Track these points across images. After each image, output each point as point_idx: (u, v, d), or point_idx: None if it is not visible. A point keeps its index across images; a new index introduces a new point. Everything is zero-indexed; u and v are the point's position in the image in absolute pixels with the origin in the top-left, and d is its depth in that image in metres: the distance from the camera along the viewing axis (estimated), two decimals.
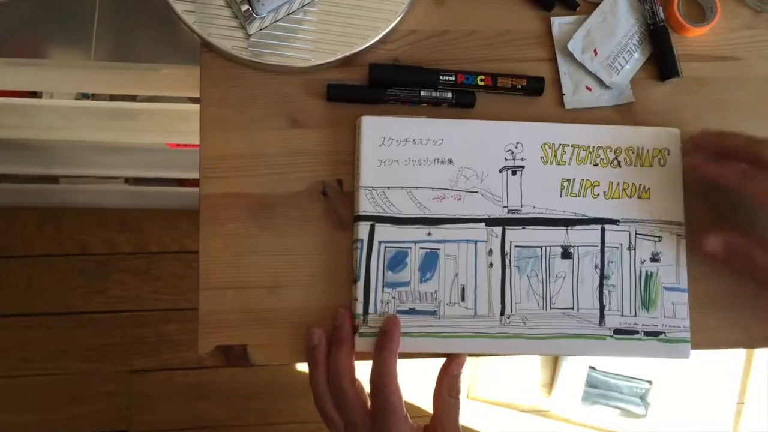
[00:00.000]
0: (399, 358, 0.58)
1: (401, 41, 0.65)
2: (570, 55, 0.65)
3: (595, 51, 0.65)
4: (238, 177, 0.61)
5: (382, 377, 0.56)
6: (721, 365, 1.52)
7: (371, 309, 0.59)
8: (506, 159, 0.62)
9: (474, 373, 1.45)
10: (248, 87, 0.63)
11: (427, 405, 1.43)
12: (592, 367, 1.45)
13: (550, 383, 1.48)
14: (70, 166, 1.19)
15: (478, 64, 0.65)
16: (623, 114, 0.65)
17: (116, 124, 0.96)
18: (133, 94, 0.95)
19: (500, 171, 0.62)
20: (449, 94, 0.63)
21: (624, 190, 0.62)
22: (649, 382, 1.46)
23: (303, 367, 1.37)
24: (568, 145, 0.62)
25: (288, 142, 0.62)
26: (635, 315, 0.61)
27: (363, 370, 0.59)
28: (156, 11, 0.64)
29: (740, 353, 1.53)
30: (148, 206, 1.37)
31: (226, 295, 0.60)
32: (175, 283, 1.41)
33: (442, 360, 0.60)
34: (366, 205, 0.60)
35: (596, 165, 0.62)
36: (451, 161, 0.61)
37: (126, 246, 1.42)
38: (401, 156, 0.61)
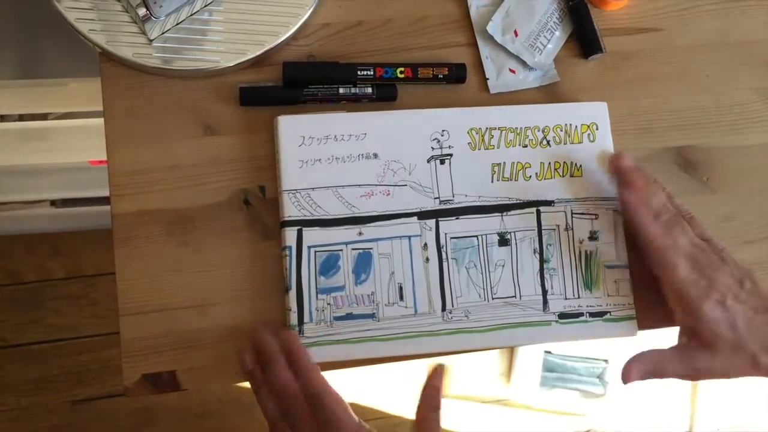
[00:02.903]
0: (343, 367, 0.56)
1: (314, 36, 0.62)
2: (490, 38, 0.63)
3: (515, 32, 0.63)
4: (152, 192, 0.58)
5: (314, 390, 0.53)
6: (675, 338, 1.53)
7: (306, 318, 0.56)
8: (433, 148, 0.59)
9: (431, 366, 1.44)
10: (156, 96, 0.59)
11: (397, 408, 1.41)
12: (548, 352, 1.44)
13: (509, 372, 1.47)
14: None
15: (397, 54, 0.62)
16: (550, 94, 0.63)
17: (29, 146, 0.91)
18: (44, 113, 0.90)
19: (428, 161, 0.59)
20: (369, 89, 0.60)
21: (556, 169, 0.60)
22: (606, 361, 1.47)
23: None
24: (495, 129, 0.60)
25: (203, 151, 0.59)
26: (578, 297, 0.59)
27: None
28: (59, 23, 0.60)
29: None
30: (79, 228, 1.32)
31: (149, 319, 0.56)
32: (115, 305, 1.34)
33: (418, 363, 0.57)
34: (291, 209, 0.57)
35: (526, 146, 0.60)
36: (376, 155, 0.58)
37: (59, 271, 1.36)
38: (323, 154, 0.58)
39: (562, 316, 0.59)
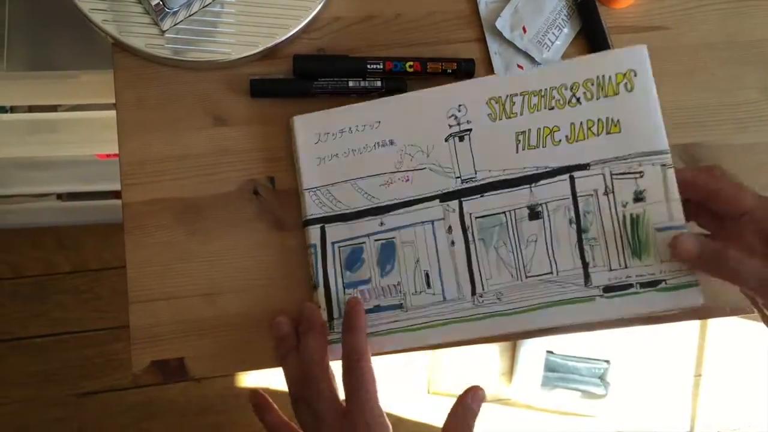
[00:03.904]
0: (373, 355, 0.54)
1: (325, 29, 0.62)
2: (499, 34, 0.63)
3: (524, 28, 0.63)
4: (163, 182, 0.58)
5: (354, 355, 0.52)
6: (676, 339, 1.54)
7: (335, 314, 0.56)
8: (450, 126, 0.56)
9: (432, 366, 1.44)
10: (167, 86, 0.60)
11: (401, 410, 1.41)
12: (549, 351, 1.45)
13: (510, 371, 1.47)
14: None
15: (406, 49, 0.63)
16: None
17: (38, 138, 0.92)
18: (54, 105, 0.91)
19: (446, 140, 0.56)
20: (378, 83, 0.61)
21: (589, 128, 0.55)
22: (607, 361, 1.46)
23: (256, 375, 1.34)
24: (517, 94, 0.56)
25: (213, 141, 0.59)
26: (626, 267, 0.54)
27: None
28: (70, 15, 0.61)
29: (694, 327, 1.55)
30: (85, 222, 1.32)
31: (158, 307, 0.57)
32: (119, 299, 1.36)
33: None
34: (313, 207, 0.57)
35: (552, 109, 0.55)
36: (392, 142, 0.57)
37: (64, 265, 1.36)
38: (340, 149, 0.57)
39: (608, 289, 0.54)
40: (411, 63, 0.61)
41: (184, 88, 0.60)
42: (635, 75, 0.55)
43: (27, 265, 1.35)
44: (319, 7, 0.61)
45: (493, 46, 0.63)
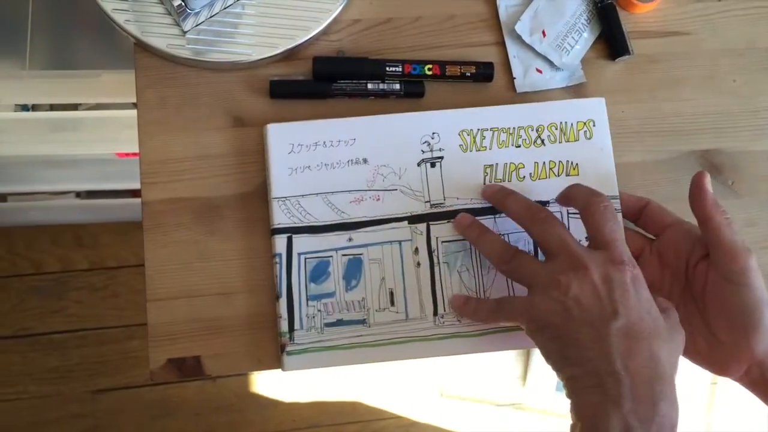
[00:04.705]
0: (326, 366, 0.56)
1: (345, 31, 0.63)
2: (518, 38, 0.63)
3: (543, 32, 0.63)
4: (182, 181, 0.59)
5: (536, 210, 0.53)
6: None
7: (297, 325, 0.56)
8: (423, 151, 0.58)
9: (445, 369, 1.44)
10: (187, 86, 0.60)
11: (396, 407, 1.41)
12: None
13: (524, 375, 1.47)
14: (17, 182, 1.14)
15: (425, 52, 0.63)
16: (576, 95, 0.63)
17: (59, 136, 0.93)
18: (75, 103, 0.92)
19: (418, 165, 0.58)
20: (397, 86, 0.61)
21: (551, 169, 0.59)
22: None
23: (272, 374, 1.34)
24: (487, 129, 0.59)
25: (232, 142, 0.60)
26: None
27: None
28: (92, 15, 0.62)
29: None
30: (103, 220, 1.34)
31: (176, 305, 0.57)
32: (135, 297, 1.37)
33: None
34: (280, 217, 0.57)
35: (519, 146, 0.59)
36: (365, 161, 0.58)
37: (82, 262, 1.37)
38: (313, 161, 0.58)
39: None
40: (430, 66, 0.61)
41: (204, 88, 0.60)
42: (594, 125, 0.60)
43: (47, 261, 1.36)
44: (340, 9, 0.61)
45: (512, 49, 0.63)
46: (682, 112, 0.65)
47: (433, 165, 0.58)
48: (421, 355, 0.57)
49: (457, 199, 0.58)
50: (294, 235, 0.57)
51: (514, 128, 0.59)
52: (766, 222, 0.64)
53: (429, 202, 0.58)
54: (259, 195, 0.59)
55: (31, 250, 1.36)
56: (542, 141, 0.59)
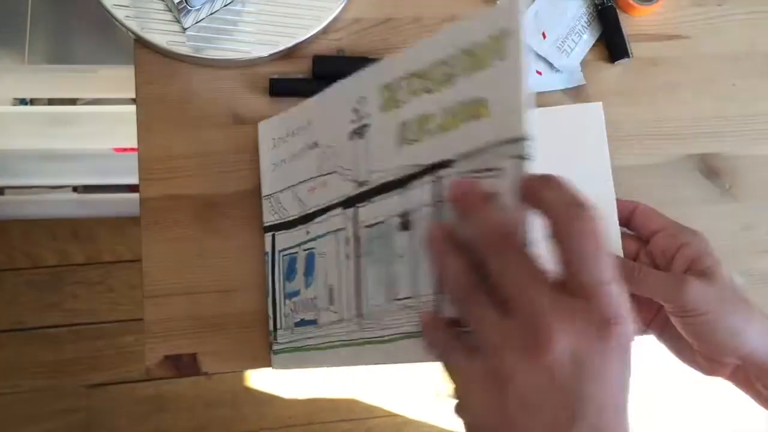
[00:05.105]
0: (299, 368, 0.54)
1: (345, 30, 0.63)
2: None
3: (543, 34, 0.63)
4: (181, 178, 0.59)
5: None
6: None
7: (279, 324, 0.55)
8: (352, 121, 0.47)
9: (441, 369, 1.44)
10: (187, 83, 0.60)
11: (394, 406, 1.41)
12: None
13: None
14: (14, 176, 1.14)
15: None
16: (575, 97, 0.63)
17: (57, 130, 0.92)
18: (73, 98, 0.92)
19: (350, 138, 0.47)
20: None
21: (458, 114, 0.40)
22: None
23: (267, 370, 1.34)
24: (405, 78, 0.43)
25: (232, 139, 0.60)
26: None
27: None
28: (91, 10, 0.62)
29: None
30: (100, 214, 1.33)
31: (173, 302, 0.57)
32: (131, 293, 1.37)
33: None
34: (267, 215, 0.56)
35: (430, 92, 0.42)
36: (316, 144, 0.50)
37: (78, 257, 1.37)
38: (287, 153, 0.54)
39: None
40: None
41: (203, 85, 0.60)
42: (507, 35, 0.37)
43: (44, 255, 1.36)
44: (340, 8, 0.61)
45: None
46: (681, 116, 0.65)
47: (360, 136, 0.47)
48: (346, 363, 0.48)
49: (379, 172, 0.45)
50: (276, 233, 0.55)
51: (426, 69, 0.42)
52: (763, 226, 0.64)
53: (356, 180, 0.47)
54: (258, 193, 0.59)
55: (27, 243, 1.36)
56: (452, 78, 0.40)
